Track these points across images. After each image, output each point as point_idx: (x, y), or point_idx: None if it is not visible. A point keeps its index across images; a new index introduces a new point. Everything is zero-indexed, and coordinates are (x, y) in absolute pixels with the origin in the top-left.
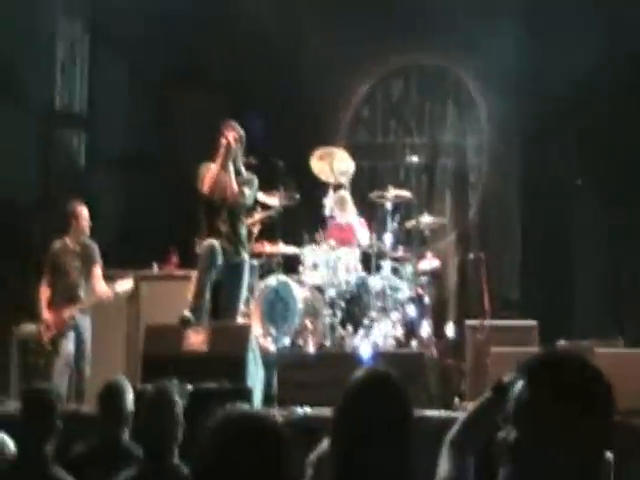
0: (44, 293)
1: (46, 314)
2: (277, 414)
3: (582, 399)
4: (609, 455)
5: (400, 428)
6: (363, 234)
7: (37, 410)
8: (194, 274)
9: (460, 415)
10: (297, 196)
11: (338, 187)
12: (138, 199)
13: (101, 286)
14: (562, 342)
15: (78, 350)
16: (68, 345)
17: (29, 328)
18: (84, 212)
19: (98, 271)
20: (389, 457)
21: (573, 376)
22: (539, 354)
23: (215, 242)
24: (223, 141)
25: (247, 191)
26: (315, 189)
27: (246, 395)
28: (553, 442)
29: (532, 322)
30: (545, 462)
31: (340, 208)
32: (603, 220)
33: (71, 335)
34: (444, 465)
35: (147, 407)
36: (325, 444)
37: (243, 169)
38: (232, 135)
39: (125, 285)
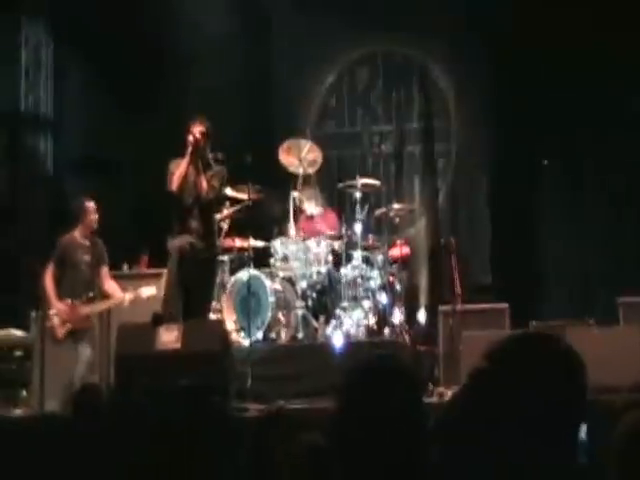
0: (50, 284)
1: (59, 305)
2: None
3: (553, 373)
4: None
5: (415, 415)
6: (330, 225)
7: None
8: (165, 272)
9: (434, 400)
10: (266, 190)
11: (307, 178)
12: (107, 200)
13: (112, 287)
14: (534, 323)
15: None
16: (87, 351)
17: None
18: (92, 207)
19: (107, 271)
20: (405, 449)
21: (544, 352)
22: (509, 336)
23: (185, 239)
24: (190, 137)
25: (216, 185)
26: (284, 181)
27: (222, 391)
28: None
29: (503, 305)
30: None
31: (309, 199)
32: (572, 201)
33: (87, 340)
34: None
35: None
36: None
37: (212, 164)
38: (199, 130)
39: (150, 291)
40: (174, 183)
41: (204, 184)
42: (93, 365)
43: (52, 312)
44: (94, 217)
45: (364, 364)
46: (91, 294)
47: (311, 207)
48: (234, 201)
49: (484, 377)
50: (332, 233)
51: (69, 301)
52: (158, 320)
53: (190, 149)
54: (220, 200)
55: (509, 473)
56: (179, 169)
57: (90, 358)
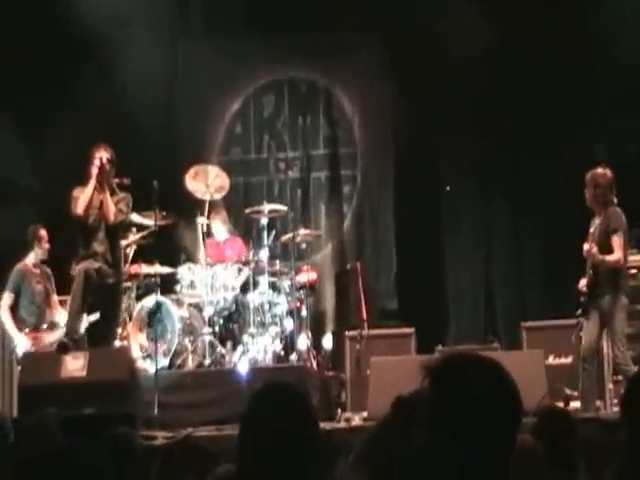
0: (9, 317)
1: (23, 336)
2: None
3: (491, 401)
4: None
5: (306, 440)
6: (237, 251)
7: None
8: (69, 298)
9: (341, 426)
10: (173, 216)
11: (214, 205)
12: (11, 226)
13: (63, 316)
14: (440, 348)
15: None
16: None
17: None
18: (45, 235)
19: (56, 300)
20: (294, 472)
21: (481, 378)
22: (444, 356)
23: (90, 265)
24: (96, 162)
25: (123, 210)
26: (191, 208)
27: (128, 419)
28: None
29: (409, 329)
30: (448, 462)
31: (217, 226)
32: (477, 226)
33: None
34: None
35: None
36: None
37: (117, 189)
38: (104, 156)
39: (95, 316)
40: (79, 207)
41: (110, 209)
42: None
43: (17, 344)
44: (47, 245)
45: (261, 392)
46: (48, 323)
47: (219, 233)
48: (140, 227)
49: (411, 404)
50: (239, 259)
51: (26, 330)
52: (64, 348)
53: (95, 174)
54: (126, 226)
55: None
56: (84, 194)
57: None
